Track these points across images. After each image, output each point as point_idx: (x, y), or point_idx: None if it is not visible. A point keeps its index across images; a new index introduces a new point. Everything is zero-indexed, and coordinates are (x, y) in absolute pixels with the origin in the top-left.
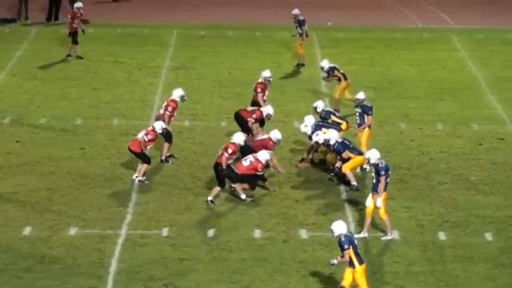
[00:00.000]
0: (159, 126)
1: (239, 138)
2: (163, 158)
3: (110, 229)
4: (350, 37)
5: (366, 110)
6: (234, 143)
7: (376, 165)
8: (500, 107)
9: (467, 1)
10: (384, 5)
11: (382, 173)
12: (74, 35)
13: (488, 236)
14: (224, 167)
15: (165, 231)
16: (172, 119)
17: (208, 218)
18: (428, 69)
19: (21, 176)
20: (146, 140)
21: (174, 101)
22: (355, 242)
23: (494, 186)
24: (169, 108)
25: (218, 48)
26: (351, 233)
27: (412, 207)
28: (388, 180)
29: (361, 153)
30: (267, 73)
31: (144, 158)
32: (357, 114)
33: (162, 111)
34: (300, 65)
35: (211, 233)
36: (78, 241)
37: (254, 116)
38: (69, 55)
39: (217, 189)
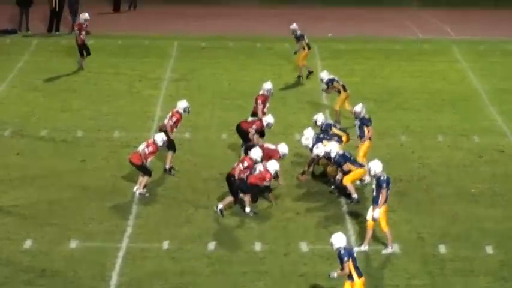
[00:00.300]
0: (160, 138)
1: (256, 154)
2: (167, 167)
3: (110, 242)
4: (350, 48)
5: (364, 122)
6: (251, 158)
7: (378, 178)
8: (501, 119)
9: (468, 12)
10: (385, 16)
11: (384, 186)
12: (81, 46)
13: (489, 249)
14: (236, 178)
15: (165, 244)
16: (175, 129)
17: (208, 231)
18: (428, 80)
19: (21, 188)
20: (147, 152)
21: (178, 112)
22: (355, 254)
23: (495, 199)
24: (174, 119)
25: (219, 60)
26: (350, 245)
27: (413, 219)
28: (388, 193)
29: (362, 166)
30: (268, 85)
31: (145, 171)
32: (357, 126)
33: (166, 122)
34: (300, 77)
35: (211, 246)
36: (79, 254)
37: (254, 126)
38: (80, 65)
39: (230, 199)
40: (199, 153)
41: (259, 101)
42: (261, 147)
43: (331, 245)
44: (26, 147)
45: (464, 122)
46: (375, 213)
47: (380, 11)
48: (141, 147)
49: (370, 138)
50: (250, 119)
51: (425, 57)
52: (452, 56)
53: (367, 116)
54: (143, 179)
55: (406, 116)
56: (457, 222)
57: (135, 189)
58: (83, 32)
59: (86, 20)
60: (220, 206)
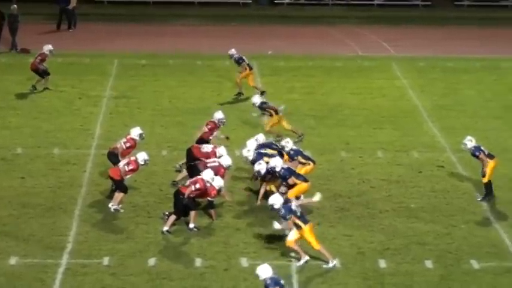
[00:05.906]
0: (141, 157)
1: (208, 175)
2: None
3: (50, 258)
4: (291, 65)
5: (291, 156)
6: (202, 179)
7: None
8: (440, 135)
9: (407, 29)
10: (325, 34)
11: (287, 216)
12: (37, 71)
13: (429, 264)
14: (186, 196)
15: (105, 260)
16: (127, 156)
17: (148, 247)
18: (368, 97)
19: None
20: (127, 169)
21: (133, 139)
22: (282, 282)
23: (434, 214)
24: (127, 144)
25: (158, 77)
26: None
27: (353, 235)
28: (298, 215)
29: (306, 180)
30: (219, 115)
31: (121, 187)
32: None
33: (118, 145)
34: (240, 94)
35: (152, 261)
36: (19, 270)
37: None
38: (46, 88)
39: (172, 218)
40: (139, 170)
41: (209, 127)
42: (205, 164)
43: (258, 277)
44: None
45: (403, 138)
46: (274, 225)
47: (320, 28)
48: (121, 164)
49: (310, 163)
50: (204, 149)
51: (365, 74)
52: (392, 72)
53: (293, 148)
54: (118, 195)
55: (346, 132)
56: (397, 237)
57: (110, 205)
58: (43, 64)
59: (50, 51)
60: (166, 228)
